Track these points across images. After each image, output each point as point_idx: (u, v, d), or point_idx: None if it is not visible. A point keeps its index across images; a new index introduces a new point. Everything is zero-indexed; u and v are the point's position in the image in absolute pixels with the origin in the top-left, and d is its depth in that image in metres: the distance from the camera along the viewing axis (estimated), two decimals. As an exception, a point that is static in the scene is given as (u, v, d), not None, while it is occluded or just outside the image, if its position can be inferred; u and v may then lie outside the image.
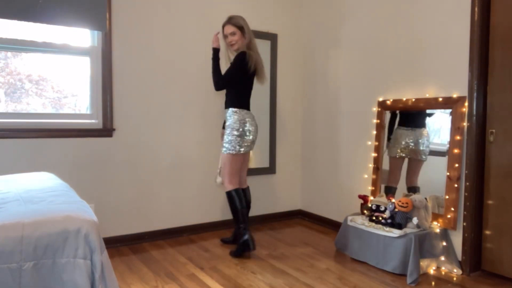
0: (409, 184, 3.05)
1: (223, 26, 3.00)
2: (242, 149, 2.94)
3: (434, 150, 2.93)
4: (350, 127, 3.59)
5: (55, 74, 3.08)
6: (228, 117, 2.97)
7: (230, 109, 2.96)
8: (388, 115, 3.25)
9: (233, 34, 2.95)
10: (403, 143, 3.09)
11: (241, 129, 2.92)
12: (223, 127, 3.17)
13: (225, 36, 3.00)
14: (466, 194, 2.69)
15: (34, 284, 1.28)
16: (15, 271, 1.25)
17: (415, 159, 3.02)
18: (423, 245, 2.65)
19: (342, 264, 2.88)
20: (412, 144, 3.04)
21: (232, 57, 3.01)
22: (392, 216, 2.75)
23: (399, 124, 3.19)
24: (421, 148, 2.98)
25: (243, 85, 2.99)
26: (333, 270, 2.76)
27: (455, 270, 2.69)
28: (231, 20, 2.96)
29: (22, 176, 2.17)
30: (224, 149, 2.95)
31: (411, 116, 3.10)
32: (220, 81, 2.92)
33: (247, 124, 2.95)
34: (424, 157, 2.97)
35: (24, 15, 2.75)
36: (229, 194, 2.98)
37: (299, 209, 4.19)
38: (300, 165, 4.18)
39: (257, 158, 3.88)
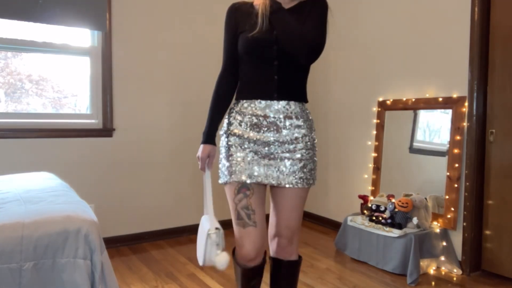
0: None
1: None
2: None
3: (434, 150, 2.93)
4: (350, 127, 3.58)
5: (55, 74, 3.08)
6: (296, 116, 1.59)
7: (299, 104, 1.62)
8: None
9: None
10: None
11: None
12: (225, 142, 1.64)
13: None
14: (466, 194, 2.69)
15: (34, 284, 1.28)
16: (15, 271, 1.25)
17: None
18: (423, 245, 2.65)
19: (342, 264, 2.88)
20: None
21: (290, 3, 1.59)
22: (392, 216, 2.75)
23: None
24: None
25: None
26: (333, 270, 2.76)
27: (455, 270, 2.69)
28: None
29: (22, 176, 2.17)
30: (309, 178, 1.61)
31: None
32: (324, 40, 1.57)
33: None
34: None
35: (24, 15, 2.75)
36: (299, 264, 1.75)
37: (299, 209, 4.19)
38: (300, 165, 4.17)
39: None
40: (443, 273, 2.71)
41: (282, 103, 1.57)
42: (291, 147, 1.57)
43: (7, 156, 2.79)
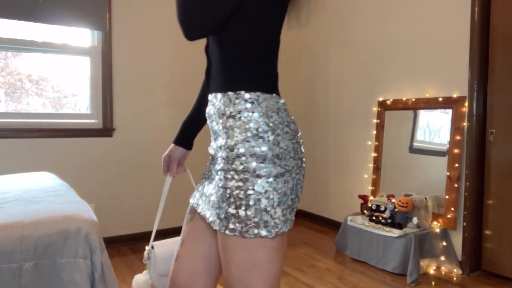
0: None
1: None
2: (293, 216, 1.00)
3: (434, 150, 2.93)
4: (350, 127, 3.58)
5: (55, 74, 3.08)
6: (216, 114, 1.00)
7: (229, 96, 0.98)
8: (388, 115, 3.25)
9: None
10: None
11: (296, 154, 0.99)
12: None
13: None
14: (466, 194, 2.69)
15: (34, 284, 1.28)
16: (15, 271, 1.25)
17: None
18: (423, 245, 2.65)
19: (342, 264, 2.88)
20: None
21: None
22: (392, 216, 2.75)
23: None
24: None
25: (277, 22, 1.01)
26: (333, 270, 2.76)
27: (455, 270, 2.69)
28: None
29: (22, 176, 2.17)
30: (228, 219, 0.93)
31: None
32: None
33: (299, 137, 1.03)
34: None
35: (24, 15, 2.75)
36: None
37: (299, 209, 4.19)
38: (300, 165, 4.17)
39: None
40: (443, 273, 2.71)
41: (210, 97, 1.04)
42: (216, 165, 1.02)
43: (7, 156, 2.79)
